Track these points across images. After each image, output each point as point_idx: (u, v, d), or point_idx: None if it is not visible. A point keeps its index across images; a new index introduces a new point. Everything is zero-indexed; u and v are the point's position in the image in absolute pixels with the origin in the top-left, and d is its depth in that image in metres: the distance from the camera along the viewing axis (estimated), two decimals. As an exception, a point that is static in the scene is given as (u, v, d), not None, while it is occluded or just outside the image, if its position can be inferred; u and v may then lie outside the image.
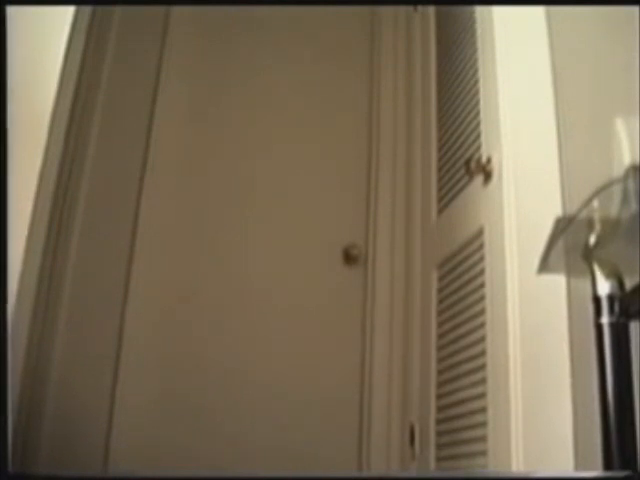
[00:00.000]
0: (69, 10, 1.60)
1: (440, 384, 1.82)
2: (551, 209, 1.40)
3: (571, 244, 1.13)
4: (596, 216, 1.11)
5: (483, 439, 1.49)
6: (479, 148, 1.70)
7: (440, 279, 1.92)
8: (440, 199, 2.00)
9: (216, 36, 2.55)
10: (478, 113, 1.73)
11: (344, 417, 2.19)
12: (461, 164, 1.80)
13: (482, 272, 1.60)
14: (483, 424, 1.50)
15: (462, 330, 1.70)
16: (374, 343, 2.23)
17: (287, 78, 2.53)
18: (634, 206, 1.12)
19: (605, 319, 1.00)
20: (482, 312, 1.58)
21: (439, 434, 1.80)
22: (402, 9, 2.55)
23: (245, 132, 2.45)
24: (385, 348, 2.21)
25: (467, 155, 1.78)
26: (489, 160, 1.60)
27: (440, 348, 1.85)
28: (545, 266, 1.19)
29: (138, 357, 2.14)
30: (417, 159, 2.26)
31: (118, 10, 2.34)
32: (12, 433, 1.36)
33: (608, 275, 1.02)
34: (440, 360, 1.84)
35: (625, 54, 1.55)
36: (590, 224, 1.11)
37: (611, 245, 1.10)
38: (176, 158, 2.37)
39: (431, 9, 2.26)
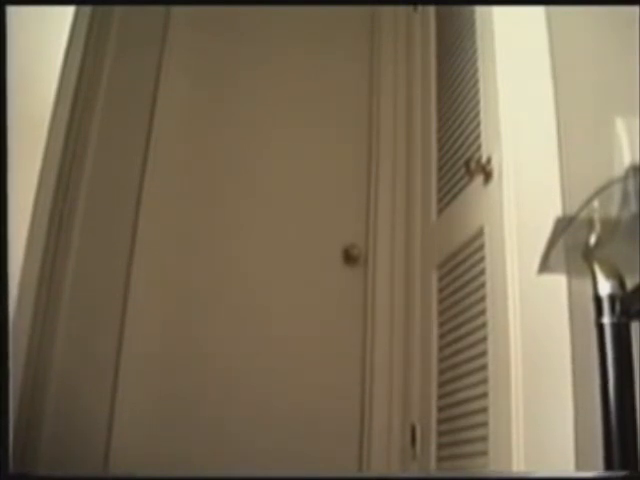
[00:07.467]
0: (69, 10, 1.60)
1: (441, 384, 1.82)
2: (551, 209, 1.40)
3: (571, 244, 1.13)
4: (596, 216, 1.11)
5: (484, 439, 1.49)
6: (479, 148, 1.70)
7: (440, 279, 1.92)
8: (440, 199, 2.00)
9: (216, 35, 2.55)
10: (478, 113, 1.73)
11: (345, 417, 2.19)
12: (461, 164, 1.80)
13: (482, 272, 1.60)
14: (484, 424, 1.50)
15: (463, 330, 1.70)
16: (374, 343, 2.23)
17: (287, 78, 2.53)
18: (634, 206, 1.12)
19: (606, 319, 1.00)
20: (482, 312, 1.58)
21: (440, 434, 1.80)
22: (402, 9, 2.55)
23: (245, 132, 2.45)
24: (385, 348, 2.21)
25: (467, 155, 1.78)
26: (489, 160, 1.60)
27: (441, 348, 1.85)
28: (545, 266, 1.19)
29: (138, 357, 2.14)
30: (417, 159, 2.26)
31: (118, 10, 2.35)
32: (13, 433, 1.36)
33: (609, 275, 1.02)
34: (441, 360, 1.84)
35: (625, 54, 1.55)
36: (590, 224, 1.11)
37: (611, 245, 1.10)
38: (176, 158, 2.37)
39: (431, 9, 2.26)
